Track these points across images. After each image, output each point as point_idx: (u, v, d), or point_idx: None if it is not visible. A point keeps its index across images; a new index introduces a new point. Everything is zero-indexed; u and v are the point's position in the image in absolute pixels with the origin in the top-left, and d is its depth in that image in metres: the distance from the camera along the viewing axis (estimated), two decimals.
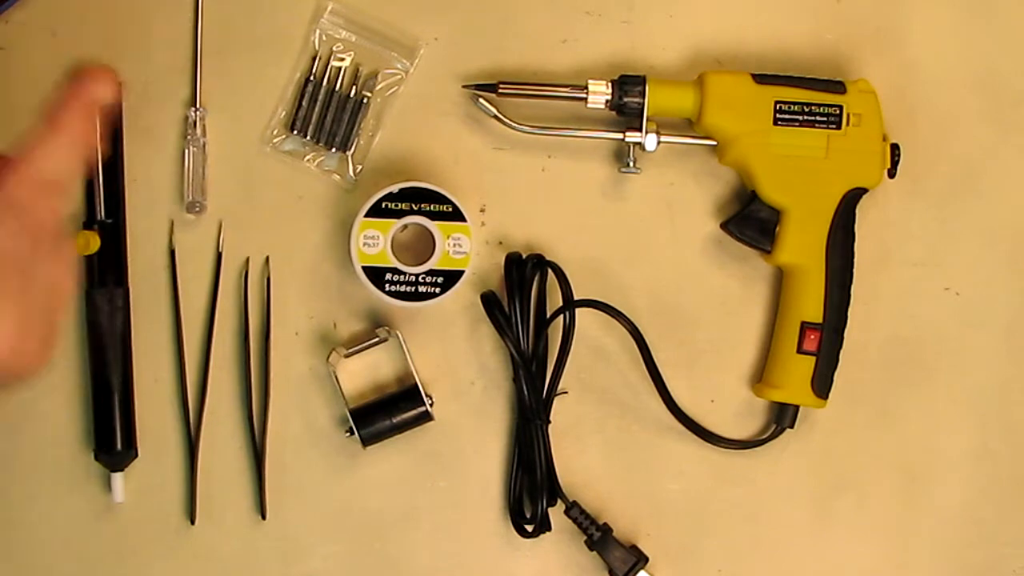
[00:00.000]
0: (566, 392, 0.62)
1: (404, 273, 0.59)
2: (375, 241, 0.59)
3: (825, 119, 0.60)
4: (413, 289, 0.59)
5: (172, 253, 0.61)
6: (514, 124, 0.61)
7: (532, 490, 0.61)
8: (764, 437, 0.62)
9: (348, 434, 0.60)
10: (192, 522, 0.61)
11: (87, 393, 0.60)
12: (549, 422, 0.61)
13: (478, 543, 0.62)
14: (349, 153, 0.62)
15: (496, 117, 0.61)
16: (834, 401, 0.61)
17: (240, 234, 0.62)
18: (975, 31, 0.65)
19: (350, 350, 0.61)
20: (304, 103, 0.61)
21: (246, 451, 0.61)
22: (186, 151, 0.61)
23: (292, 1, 0.62)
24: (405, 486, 0.62)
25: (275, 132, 0.62)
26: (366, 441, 0.60)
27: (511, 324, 0.60)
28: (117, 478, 0.60)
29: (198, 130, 0.61)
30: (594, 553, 0.61)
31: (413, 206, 0.59)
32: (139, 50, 0.61)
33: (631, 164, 0.61)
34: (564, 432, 0.62)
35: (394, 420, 0.60)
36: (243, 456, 0.61)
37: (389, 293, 0.59)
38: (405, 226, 0.60)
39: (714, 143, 0.61)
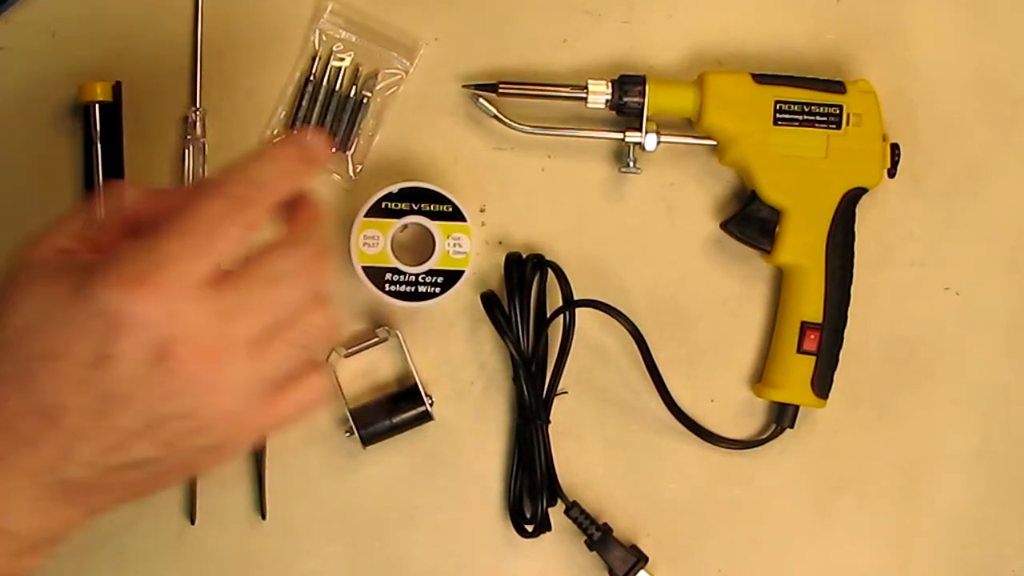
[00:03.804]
0: (566, 392, 0.62)
1: (404, 273, 0.59)
2: (375, 241, 0.59)
3: (825, 119, 0.60)
4: (413, 289, 0.59)
5: None
6: (514, 124, 0.61)
7: (532, 490, 0.61)
8: (764, 437, 0.62)
9: (348, 434, 0.60)
10: (192, 522, 0.61)
11: None
12: (549, 422, 0.61)
13: (478, 543, 0.62)
14: (349, 153, 0.62)
15: (496, 117, 0.61)
16: (834, 401, 0.61)
17: None
18: (975, 31, 0.65)
19: (350, 350, 0.61)
20: (304, 103, 0.61)
21: None
22: (186, 151, 0.61)
23: (292, 1, 0.62)
24: (405, 486, 0.62)
25: (275, 132, 0.62)
26: (366, 441, 0.60)
27: (511, 324, 0.60)
28: None
29: (198, 130, 0.61)
30: (594, 553, 0.61)
31: (413, 206, 0.59)
32: (139, 50, 0.61)
33: (631, 164, 0.61)
34: (564, 432, 0.62)
35: (394, 420, 0.60)
36: (243, 456, 0.61)
37: (389, 293, 0.59)
38: (405, 226, 0.60)
39: (714, 143, 0.61)
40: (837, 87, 0.60)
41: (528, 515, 0.61)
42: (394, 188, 0.59)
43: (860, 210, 0.61)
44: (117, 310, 0.39)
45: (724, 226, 0.61)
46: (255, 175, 0.43)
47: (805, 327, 0.60)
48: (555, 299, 0.61)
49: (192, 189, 0.45)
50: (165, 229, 0.41)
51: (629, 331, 0.61)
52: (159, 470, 0.43)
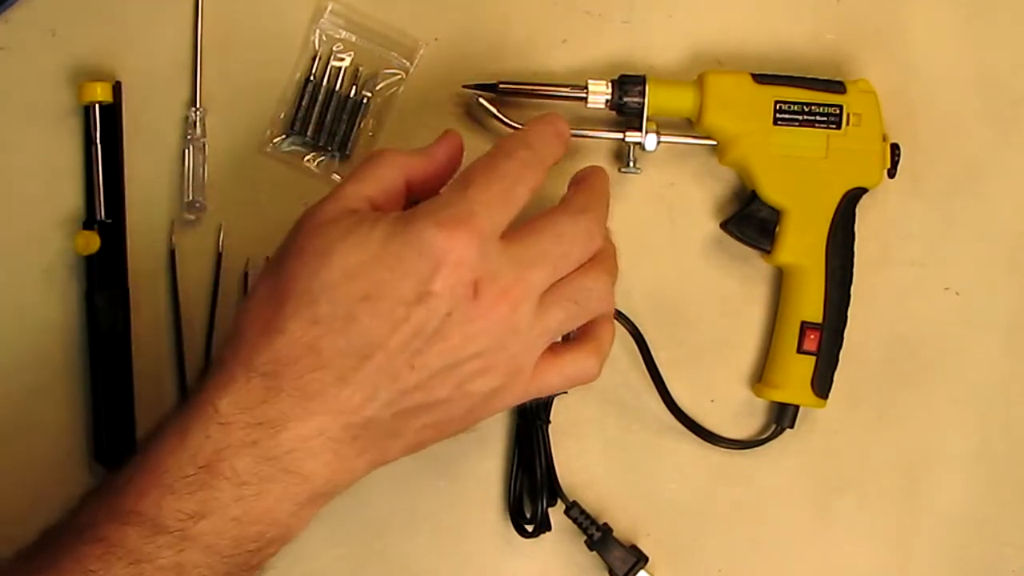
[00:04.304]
0: (566, 392, 0.62)
1: None
2: None
3: (825, 119, 0.60)
4: None
5: (172, 253, 0.61)
6: (514, 124, 0.61)
7: (532, 490, 0.61)
8: (764, 437, 0.62)
9: None
10: None
11: (87, 394, 0.60)
12: (549, 422, 0.61)
13: (478, 543, 0.62)
14: (349, 153, 0.62)
15: (496, 117, 0.61)
16: (834, 401, 0.61)
17: (240, 234, 0.62)
18: (975, 31, 0.65)
19: None
20: (304, 103, 0.61)
21: None
22: (186, 151, 0.61)
23: (292, 1, 0.62)
24: (405, 486, 0.62)
25: (275, 132, 0.62)
26: None
27: None
28: None
29: (198, 130, 0.61)
30: (594, 553, 0.61)
31: None
32: (139, 50, 0.61)
33: (631, 164, 0.61)
34: (564, 432, 0.62)
35: None
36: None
37: None
38: None
39: (714, 143, 0.61)
40: (837, 87, 0.60)
41: (528, 515, 0.61)
42: None
43: (860, 210, 0.61)
44: (440, 248, 0.43)
45: (724, 226, 0.61)
46: (535, 144, 0.48)
47: (805, 327, 0.60)
48: None
49: (444, 143, 0.51)
50: (473, 182, 0.46)
51: (629, 331, 0.61)
52: (444, 417, 0.47)
